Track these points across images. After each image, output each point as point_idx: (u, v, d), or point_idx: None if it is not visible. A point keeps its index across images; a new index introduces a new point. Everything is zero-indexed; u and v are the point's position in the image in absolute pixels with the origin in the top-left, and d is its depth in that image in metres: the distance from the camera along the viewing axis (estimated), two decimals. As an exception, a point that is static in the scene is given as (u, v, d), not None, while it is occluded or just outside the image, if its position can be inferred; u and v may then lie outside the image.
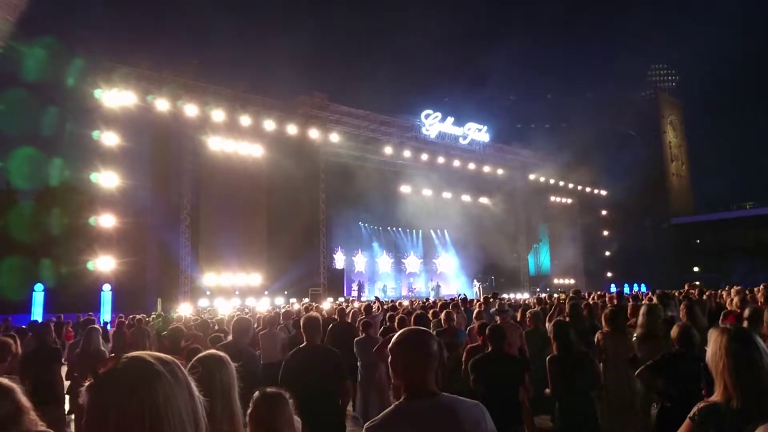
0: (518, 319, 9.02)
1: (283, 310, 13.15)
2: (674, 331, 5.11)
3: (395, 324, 7.66)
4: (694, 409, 2.54)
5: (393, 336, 6.40)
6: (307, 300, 23.67)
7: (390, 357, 2.43)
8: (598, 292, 15.50)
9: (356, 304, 18.27)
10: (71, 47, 21.38)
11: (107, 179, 21.14)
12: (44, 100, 21.38)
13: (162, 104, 22.44)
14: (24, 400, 2.45)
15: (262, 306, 20.53)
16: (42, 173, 21.50)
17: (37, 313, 19.96)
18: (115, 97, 21.45)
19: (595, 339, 6.18)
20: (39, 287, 20.16)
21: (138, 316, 14.93)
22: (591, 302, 11.36)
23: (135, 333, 12.80)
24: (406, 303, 18.36)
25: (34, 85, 20.68)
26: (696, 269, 51.28)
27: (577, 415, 5.14)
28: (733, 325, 2.85)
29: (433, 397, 2.36)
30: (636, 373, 5.65)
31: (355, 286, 31.54)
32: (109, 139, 21.30)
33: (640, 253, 44.78)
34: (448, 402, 2.36)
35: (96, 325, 7.20)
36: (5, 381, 2.50)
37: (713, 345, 2.46)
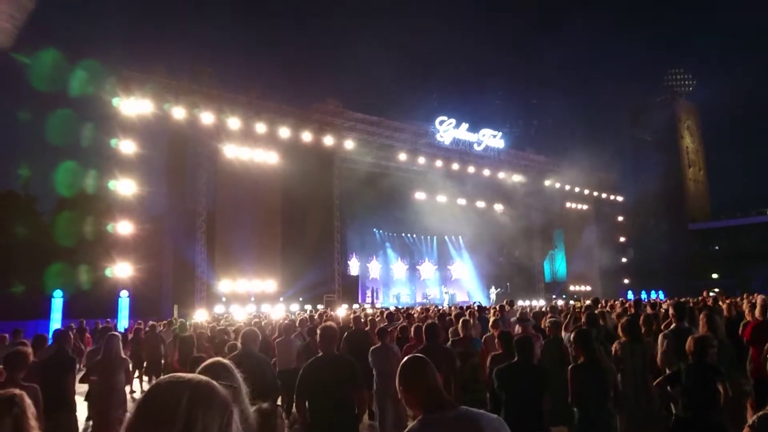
0: (541, 327, 8.95)
1: (298, 318, 13.19)
2: (689, 343, 5.09)
3: (411, 333, 7.67)
4: (754, 417, 2.55)
5: (414, 346, 6.44)
6: (321, 307, 23.72)
7: (398, 388, 2.56)
8: (621, 300, 15.35)
9: (369, 311, 18.28)
10: (90, 56, 21.69)
11: (125, 186, 21.39)
12: (64, 110, 21.72)
13: (178, 112, 22.68)
14: (28, 411, 2.52)
15: (277, 312, 20.60)
16: (62, 182, 21.82)
17: (56, 319, 20.19)
18: (133, 105, 21.72)
19: (613, 349, 6.13)
20: (58, 293, 20.40)
21: (151, 322, 15.07)
22: (608, 310, 11.27)
23: (150, 339, 12.91)
24: (419, 309, 18.33)
25: (54, 95, 21.01)
26: (714, 276, 50.66)
27: (598, 424, 5.11)
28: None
29: (453, 408, 2.42)
30: (654, 383, 5.63)
31: (369, 293, 31.57)
32: (127, 147, 21.56)
33: (657, 259, 44.32)
34: (469, 414, 2.41)
35: (116, 332, 7.28)
36: (11, 393, 2.56)
37: None
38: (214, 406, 1.30)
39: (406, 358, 2.65)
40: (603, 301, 15.21)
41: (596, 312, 8.84)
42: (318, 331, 5.34)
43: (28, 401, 2.53)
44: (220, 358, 2.43)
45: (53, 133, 21.23)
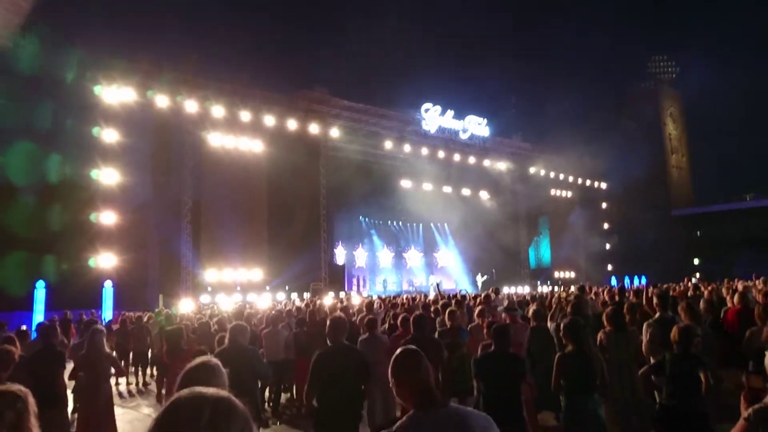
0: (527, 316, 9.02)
1: (286, 308, 13.18)
2: (673, 333, 5.15)
3: (398, 323, 7.68)
4: (750, 410, 2.58)
5: (401, 336, 6.45)
6: (307, 295, 23.72)
7: (392, 382, 2.55)
8: (606, 287, 15.48)
9: (355, 300, 18.31)
10: (71, 43, 21.30)
11: (108, 176, 21.13)
12: (44, 97, 21.33)
13: (162, 100, 22.41)
14: (30, 408, 2.49)
15: (264, 302, 20.57)
16: (41, 169, 21.46)
17: (39, 310, 19.98)
18: (115, 93, 21.41)
19: (598, 338, 6.19)
20: (40, 284, 20.17)
21: (138, 314, 14.98)
22: (593, 298, 11.37)
23: (137, 331, 12.84)
24: (405, 297, 18.37)
25: (34, 80, 20.61)
26: (696, 261, 51.37)
27: (584, 413, 5.18)
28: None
29: (443, 406, 2.44)
30: (639, 372, 5.70)
31: (355, 281, 31.61)
32: (110, 135, 21.28)
33: (640, 245, 44.79)
34: (459, 411, 2.43)
35: (100, 326, 7.22)
36: (16, 388, 2.54)
37: None
38: (234, 421, 1.30)
39: (400, 350, 2.64)
40: (588, 288, 15.35)
41: (582, 301, 8.92)
42: (328, 322, 5.33)
43: (32, 400, 2.51)
44: (205, 359, 2.40)
45: (32, 121, 20.85)
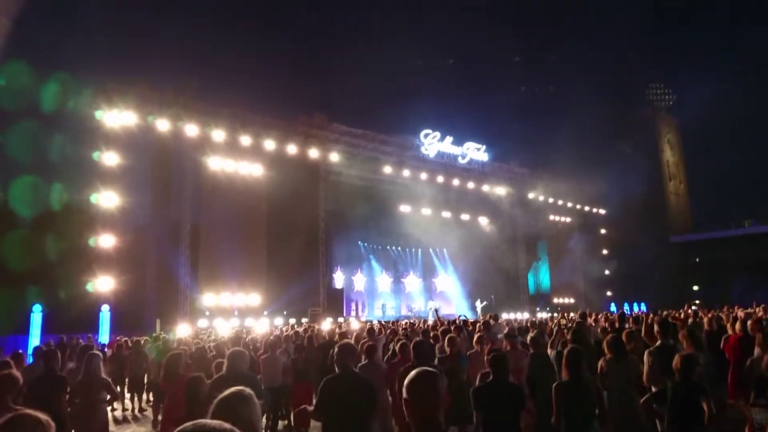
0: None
1: (284, 334, 13.09)
2: (675, 361, 5.13)
3: (397, 349, 7.62)
4: None
5: (399, 363, 6.41)
6: (305, 320, 23.58)
7: (404, 397, 2.51)
8: (605, 314, 15.40)
9: (354, 324, 18.19)
10: (72, 69, 21.53)
11: (107, 199, 21.17)
12: (45, 124, 21.48)
13: (162, 124, 22.56)
14: None
15: (261, 326, 20.44)
16: (42, 198, 21.53)
17: (35, 334, 19.83)
18: (116, 117, 21.56)
19: (599, 366, 6.16)
20: (37, 308, 20.05)
21: (136, 338, 14.85)
22: (593, 324, 11.32)
23: (133, 356, 12.70)
24: (404, 323, 18.27)
25: (35, 109, 20.78)
26: (695, 288, 51.22)
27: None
28: None
29: None
30: (641, 400, 5.66)
31: (354, 306, 31.45)
32: (110, 159, 21.37)
33: (639, 271, 44.72)
34: None
35: (96, 351, 7.16)
36: (35, 414, 2.52)
37: None
38: None
39: (421, 371, 2.58)
40: (588, 314, 15.27)
41: (582, 328, 8.88)
42: (336, 348, 5.29)
43: (53, 425, 2.50)
44: (243, 388, 2.38)
45: (35, 150, 20.98)
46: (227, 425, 1.36)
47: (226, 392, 2.22)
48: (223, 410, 2.25)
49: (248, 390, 2.19)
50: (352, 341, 10.56)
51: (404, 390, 2.50)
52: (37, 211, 21.69)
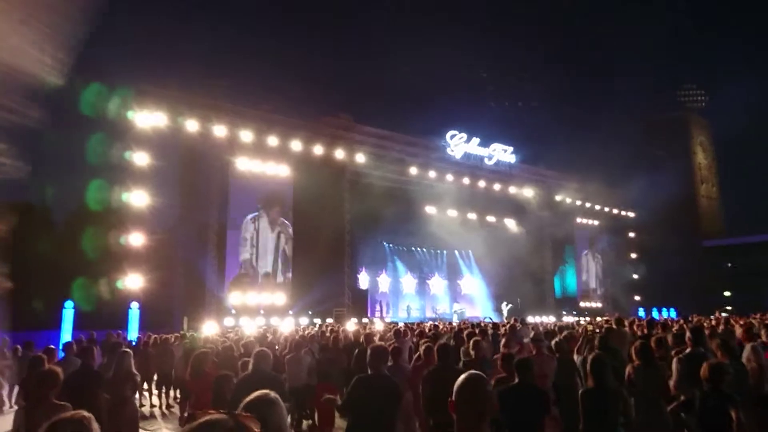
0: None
1: (309, 333, 13.16)
2: (703, 369, 5.03)
3: (422, 352, 7.60)
4: None
5: (423, 366, 6.40)
6: (330, 320, 23.68)
7: (451, 400, 2.50)
8: (633, 319, 15.13)
9: (378, 326, 18.20)
10: (105, 71, 21.99)
11: (137, 198, 21.59)
12: (81, 125, 21.98)
13: (192, 125, 22.91)
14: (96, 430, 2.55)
15: (286, 326, 20.59)
16: (81, 196, 22.03)
17: (67, 330, 20.26)
18: (147, 118, 21.96)
19: (626, 373, 6.07)
20: (69, 304, 20.49)
21: (164, 336, 15.06)
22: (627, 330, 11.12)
23: (159, 353, 12.88)
24: (429, 325, 18.23)
25: (71, 110, 21.28)
26: (727, 294, 50.08)
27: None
28: None
29: None
30: (669, 409, 5.56)
31: (378, 307, 31.49)
32: (140, 159, 21.79)
33: (668, 276, 43.87)
34: None
35: (127, 349, 7.30)
36: (82, 413, 2.59)
37: None
38: None
39: (470, 376, 2.57)
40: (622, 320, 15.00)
41: (610, 334, 8.74)
42: (369, 350, 5.40)
43: (96, 425, 2.57)
44: (269, 391, 2.41)
45: (68, 147, 21.47)
46: (241, 421, 1.39)
47: (253, 396, 2.23)
48: (251, 411, 2.28)
49: (274, 393, 2.21)
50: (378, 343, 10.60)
51: (454, 393, 2.49)
52: (70, 209, 22.19)
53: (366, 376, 5.20)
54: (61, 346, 13.49)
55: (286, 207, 26.91)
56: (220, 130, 23.57)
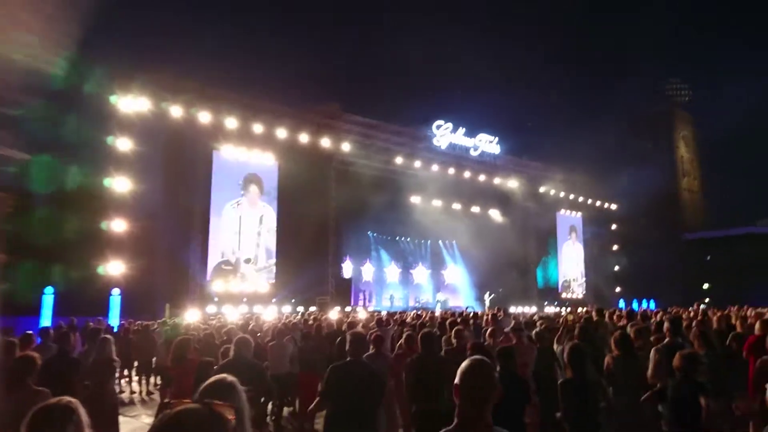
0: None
1: (291, 321, 13.16)
2: (676, 359, 5.11)
3: (403, 341, 7.64)
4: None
5: (405, 354, 6.42)
6: (313, 309, 23.68)
7: (454, 385, 2.46)
8: (613, 310, 15.28)
9: (362, 315, 18.25)
10: (89, 52, 21.61)
11: (120, 184, 21.35)
12: (63, 106, 21.63)
13: (176, 110, 22.66)
14: (84, 419, 2.51)
15: (269, 314, 20.56)
16: (59, 179, 21.70)
17: (46, 316, 20.06)
18: (131, 103, 21.68)
19: (605, 363, 6.14)
20: (49, 290, 20.27)
21: (145, 323, 14.98)
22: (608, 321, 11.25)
23: (140, 340, 12.83)
24: (413, 314, 18.31)
25: (57, 93, 20.92)
26: (706, 286, 50.87)
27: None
28: None
29: (489, 428, 2.39)
30: (642, 398, 5.65)
31: (362, 296, 31.55)
32: (123, 144, 21.54)
33: (650, 268, 44.45)
34: None
35: (109, 336, 7.24)
36: (68, 400, 2.55)
37: None
38: None
39: (475, 361, 2.52)
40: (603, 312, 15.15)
41: (590, 325, 8.84)
42: (348, 336, 5.38)
43: (82, 409, 2.53)
44: (225, 375, 2.39)
45: (52, 131, 21.13)
46: (213, 406, 1.39)
47: (211, 381, 2.22)
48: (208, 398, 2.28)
49: (231, 377, 2.20)
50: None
51: (458, 378, 2.44)
52: (51, 191, 21.88)
53: (343, 364, 5.21)
54: (38, 331, 13.35)
55: (269, 188, 26.72)
56: (204, 117, 23.34)
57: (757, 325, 7.80)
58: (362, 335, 5.42)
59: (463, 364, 2.51)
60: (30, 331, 9.47)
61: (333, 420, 5.03)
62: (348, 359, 5.23)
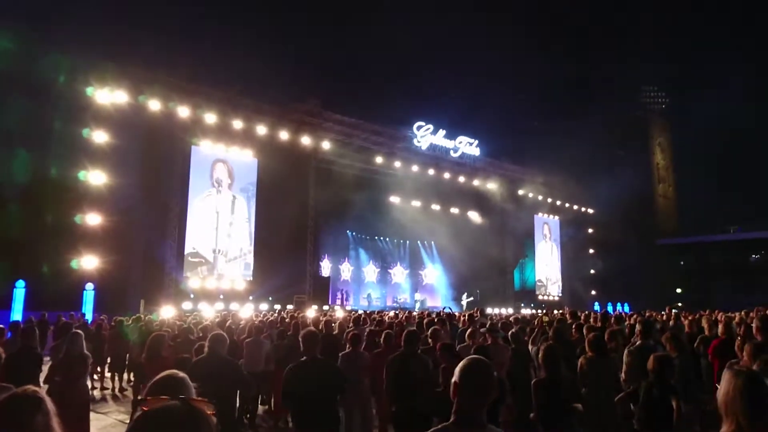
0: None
1: (268, 319, 13.08)
2: (650, 361, 5.19)
3: (382, 340, 7.64)
4: None
5: (384, 353, 6.42)
6: (291, 307, 23.58)
7: (453, 383, 2.47)
8: (588, 312, 15.48)
9: (339, 313, 18.22)
10: (64, 43, 21.25)
11: (95, 177, 21.01)
12: (35, 97, 21.22)
13: (154, 104, 22.37)
14: (52, 410, 2.46)
15: (246, 311, 20.42)
16: (29, 170, 21.30)
17: (18, 310, 19.69)
18: (107, 95, 21.35)
19: (579, 364, 6.21)
20: (20, 284, 19.89)
21: (118, 318, 14.78)
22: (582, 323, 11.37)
23: (114, 336, 12.65)
24: (391, 314, 18.33)
25: (24, 81, 20.51)
26: (679, 290, 51.80)
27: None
28: (747, 367, 2.93)
29: (483, 428, 2.40)
30: (616, 399, 5.73)
31: (339, 295, 31.50)
32: (99, 137, 21.18)
33: (624, 272, 45.11)
34: None
35: (79, 330, 7.12)
36: (34, 390, 2.49)
37: (726, 385, 2.49)
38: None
39: (474, 361, 2.53)
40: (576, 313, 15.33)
41: (564, 326, 8.94)
42: (300, 336, 5.36)
43: (49, 401, 2.47)
44: (175, 371, 2.36)
45: (21, 122, 20.72)
46: (194, 404, 1.38)
47: (162, 376, 2.20)
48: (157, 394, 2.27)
49: (182, 373, 2.19)
50: (337, 330, 10.60)
51: (458, 376, 2.45)
52: (23, 183, 21.46)
53: (299, 363, 5.18)
54: (8, 325, 13.08)
55: (246, 185, 26.50)
56: (183, 111, 23.08)
57: (720, 328, 7.96)
58: (313, 333, 5.40)
59: (462, 363, 2.53)
60: (0, 325, 9.29)
61: (296, 419, 5.04)
62: (303, 359, 5.20)
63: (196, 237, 24.82)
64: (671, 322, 12.22)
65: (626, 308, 36.08)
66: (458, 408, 2.44)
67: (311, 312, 19.07)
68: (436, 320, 10.43)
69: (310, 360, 5.15)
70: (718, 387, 2.55)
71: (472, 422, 2.40)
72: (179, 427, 1.29)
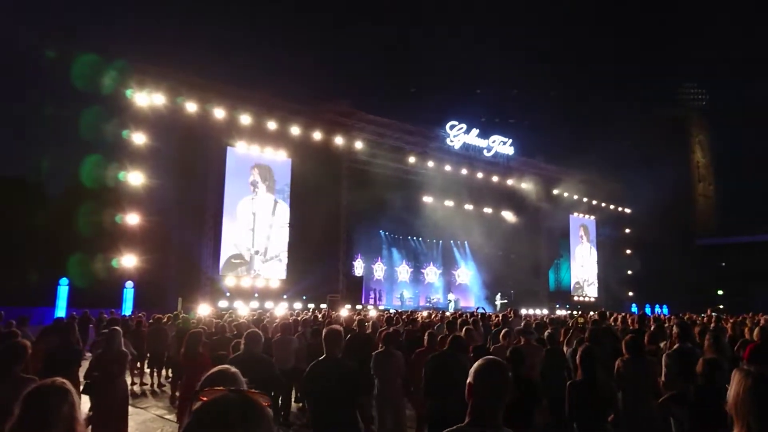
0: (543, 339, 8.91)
1: (301, 317, 13.21)
2: (699, 365, 5.06)
3: (425, 339, 7.62)
4: None
5: (425, 352, 6.41)
6: (324, 306, 23.75)
7: (467, 383, 2.48)
8: (624, 314, 15.23)
9: (372, 313, 18.28)
10: (105, 47, 21.86)
11: (134, 178, 21.54)
12: (78, 101, 21.89)
13: (191, 106, 22.81)
14: (77, 401, 2.55)
15: (280, 309, 20.65)
16: (77, 172, 21.97)
17: (61, 307, 20.33)
18: (146, 97, 21.86)
19: (615, 366, 6.11)
20: (64, 281, 20.53)
21: (157, 316, 15.11)
22: (612, 324, 11.20)
23: (152, 333, 12.92)
24: (424, 314, 18.33)
25: (69, 85, 21.16)
26: (720, 293, 50.36)
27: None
28: (756, 369, 2.85)
29: (498, 429, 2.41)
30: (659, 401, 5.61)
31: (372, 295, 31.58)
32: (138, 138, 21.72)
33: (662, 273, 44.05)
34: None
35: (118, 327, 7.30)
36: (61, 381, 2.59)
37: (736, 386, 2.45)
38: (264, 424, 1.33)
39: (489, 362, 2.54)
40: (608, 314, 15.10)
41: (603, 327, 8.80)
42: (323, 333, 5.32)
43: (75, 393, 2.57)
44: (228, 366, 2.40)
45: (66, 124, 21.37)
46: (252, 396, 1.39)
47: (213, 370, 2.24)
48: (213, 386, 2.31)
49: (233, 368, 2.22)
50: (370, 329, 10.64)
51: (473, 377, 2.46)
52: (67, 185, 22.13)
53: (317, 362, 5.10)
54: (52, 321, 13.49)
55: (281, 185, 26.80)
56: (219, 113, 23.49)
57: (756, 332, 7.74)
58: (337, 332, 5.24)
59: (477, 364, 2.53)
60: (25, 315, 9.55)
61: (313, 418, 5.01)
62: (323, 357, 5.12)
63: (236, 238, 25.21)
64: (712, 325, 11.91)
65: (665, 311, 35.28)
66: (473, 409, 2.45)
67: (344, 311, 19.18)
68: (470, 321, 10.39)
69: (329, 359, 5.08)
70: (727, 388, 2.50)
71: (486, 423, 2.40)
72: (241, 417, 1.30)
